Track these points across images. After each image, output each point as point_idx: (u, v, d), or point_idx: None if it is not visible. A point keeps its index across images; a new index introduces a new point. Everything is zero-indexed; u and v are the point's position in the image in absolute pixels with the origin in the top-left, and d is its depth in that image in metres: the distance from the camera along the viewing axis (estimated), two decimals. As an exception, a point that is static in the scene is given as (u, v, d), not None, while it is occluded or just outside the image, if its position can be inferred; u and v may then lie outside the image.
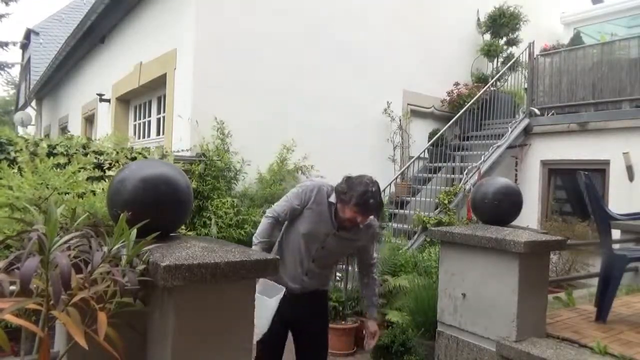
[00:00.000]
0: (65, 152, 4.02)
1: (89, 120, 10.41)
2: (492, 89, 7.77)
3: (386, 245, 5.32)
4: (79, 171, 2.18)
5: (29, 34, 17.01)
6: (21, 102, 18.55)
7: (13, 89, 29.09)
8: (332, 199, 2.52)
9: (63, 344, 1.49)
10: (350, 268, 5.00)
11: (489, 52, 8.47)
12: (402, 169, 6.87)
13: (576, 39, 8.93)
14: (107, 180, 2.60)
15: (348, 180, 2.45)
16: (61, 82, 12.46)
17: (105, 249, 1.30)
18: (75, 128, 10.71)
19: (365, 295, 2.87)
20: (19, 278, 1.05)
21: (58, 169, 2.13)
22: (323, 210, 2.53)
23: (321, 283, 2.67)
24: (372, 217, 2.55)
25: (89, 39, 8.93)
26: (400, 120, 7.38)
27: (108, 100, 8.42)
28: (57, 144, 4.11)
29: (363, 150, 6.96)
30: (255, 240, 2.54)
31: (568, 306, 3.71)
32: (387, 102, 7.21)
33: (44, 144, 3.81)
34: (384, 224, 4.97)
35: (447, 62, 8.28)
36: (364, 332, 2.88)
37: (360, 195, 2.34)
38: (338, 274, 5.35)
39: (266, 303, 2.22)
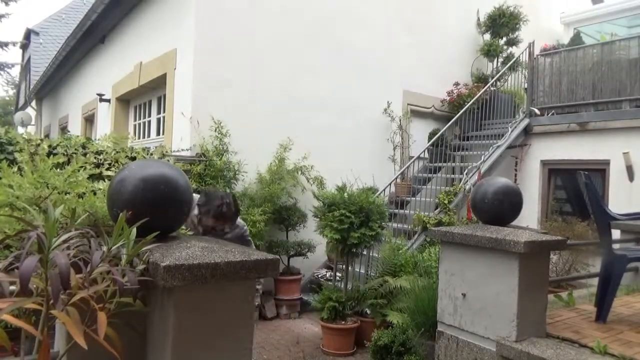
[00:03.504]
0: (64, 152, 4.03)
1: (89, 120, 10.41)
2: (492, 89, 7.77)
3: (386, 245, 5.32)
4: (79, 170, 2.17)
5: (29, 34, 17.01)
6: (21, 102, 18.55)
7: (13, 89, 29.10)
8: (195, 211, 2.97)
9: (63, 343, 1.49)
10: (350, 268, 5.00)
11: (489, 52, 8.46)
12: (402, 169, 6.87)
13: (576, 39, 8.92)
14: (106, 180, 2.60)
15: (206, 194, 2.94)
16: (61, 82, 12.46)
17: (105, 248, 1.30)
18: (75, 128, 10.71)
19: None
20: (18, 277, 1.05)
21: (58, 169, 2.13)
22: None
23: None
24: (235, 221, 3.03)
25: (89, 39, 8.93)
26: (400, 120, 7.38)
27: (108, 100, 8.42)
28: (57, 144, 4.12)
29: (363, 150, 6.96)
30: None
31: (568, 306, 3.70)
32: (387, 102, 7.21)
33: (45, 145, 3.82)
34: (384, 224, 4.96)
35: (447, 62, 8.28)
36: None
37: (217, 208, 2.83)
38: (338, 274, 5.35)
39: None
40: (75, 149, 4.13)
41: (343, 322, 4.58)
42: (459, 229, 3.19)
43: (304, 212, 5.85)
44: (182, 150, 5.44)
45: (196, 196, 3.00)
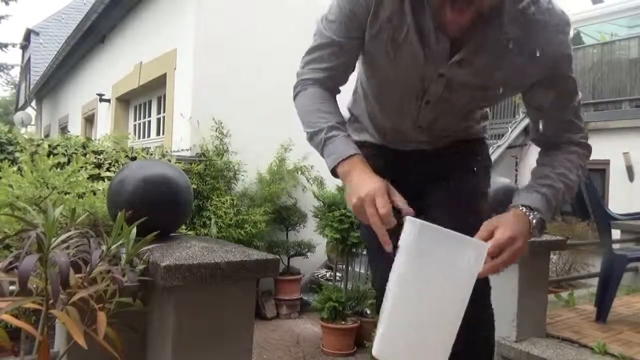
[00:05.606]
0: (64, 152, 4.03)
1: (89, 120, 10.41)
2: (492, 89, 7.77)
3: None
4: (79, 170, 2.18)
5: (28, 34, 17.02)
6: (21, 102, 18.56)
7: (13, 89, 29.11)
8: None
9: (63, 343, 1.49)
10: (350, 268, 5.00)
11: (489, 52, 8.46)
12: (402, 169, 6.86)
13: (576, 39, 8.93)
14: (105, 180, 2.60)
15: None
16: (61, 82, 12.46)
17: (104, 247, 1.30)
18: (75, 128, 10.72)
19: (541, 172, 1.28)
20: (17, 277, 1.05)
21: (58, 169, 2.13)
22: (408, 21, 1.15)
23: (457, 135, 1.51)
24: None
25: (89, 39, 8.94)
26: (400, 120, 7.38)
27: (108, 100, 8.42)
28: (57, 144, 4.12)
29: (363, 150, 6.95)
30: (315, 135, 1.32)
31: (568, 306, 3.70)
32: (387, 102, 7.20)
33: (45, 144, 3.82)
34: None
35: (447, 62, 8.27)
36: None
37: None
38: (338, 274, 5.33)
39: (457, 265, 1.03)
40: (75, 149, 4.13)
41: (343, 322, 4.58)
42: (459, 229, 3.19)
43: (304, 212, 5.84)
44: (182, 150, 5.45)
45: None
